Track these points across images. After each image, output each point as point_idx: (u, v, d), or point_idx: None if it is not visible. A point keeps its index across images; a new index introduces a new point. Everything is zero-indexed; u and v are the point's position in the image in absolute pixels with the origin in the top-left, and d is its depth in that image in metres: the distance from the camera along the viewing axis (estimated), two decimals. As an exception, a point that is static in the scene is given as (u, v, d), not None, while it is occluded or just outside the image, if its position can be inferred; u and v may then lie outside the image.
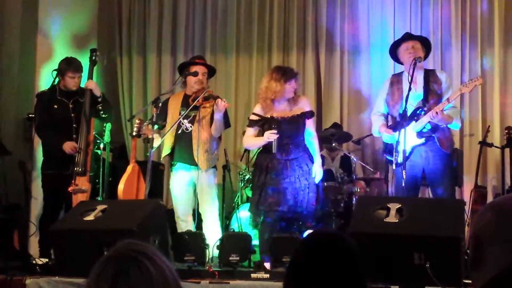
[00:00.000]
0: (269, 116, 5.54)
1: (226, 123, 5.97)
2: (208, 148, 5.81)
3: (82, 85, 6.08)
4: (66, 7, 7.74)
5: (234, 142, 7.84)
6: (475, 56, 7.35)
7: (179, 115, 5.83)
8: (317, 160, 5.59)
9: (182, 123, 5.78)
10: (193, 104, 5.74)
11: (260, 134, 5.64)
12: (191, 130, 5.79)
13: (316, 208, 5.47)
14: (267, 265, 4.97)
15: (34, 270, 4.91)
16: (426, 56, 5.85)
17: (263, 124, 5.58)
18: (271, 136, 5.41)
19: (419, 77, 5.59)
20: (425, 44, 5.81)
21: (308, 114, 5.61)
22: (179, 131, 5.80)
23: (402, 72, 5.76)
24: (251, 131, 5.71)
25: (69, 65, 5.97)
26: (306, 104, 5.68)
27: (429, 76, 5.63)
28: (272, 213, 5.39)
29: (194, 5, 8.05)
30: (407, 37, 5.80)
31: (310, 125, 5.64)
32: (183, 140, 5.81)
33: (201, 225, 5.89)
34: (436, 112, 5.33)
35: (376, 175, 7.11)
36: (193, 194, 5.90)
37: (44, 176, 5.99)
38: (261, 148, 5.72)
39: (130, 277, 1.43)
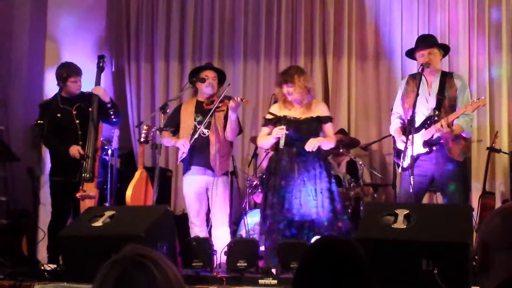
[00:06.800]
0: (282, 115, 5.58)
1: (239, 128, 5.95)
2: (223, 152, 5.80)
3: (83, 89, 6.07)
4: (75, 13, 7.78)
5: (242, 148, 7.83)
6: (483, 61, 7.32)
7: (194, 121, 5.81)
8: (321, 138, 5.52)
9: (198, 128, 5.75)
10: (215, 105, 5.70)
11: None
12: (208, 135, 5.77)
13: (330, 216, 5.40)
14: (275, 271, 4.96)
15: (43, 276, 4.90)
16: (445, 55, 5.75)
17: (275, 122, 5.61)
18: (278, 132, 5.44)
19: (435, 82, 5.47)
20: (442, 46, 5.69)
21: (324, 119, 5.62)
22: (196, 136, 5.74)
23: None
24: (265, 130, 5.72)
25: (70, 70, 5.96)
26: (323, 110, 5.68)
27: (446, 81, 5.47)
28: (278, 217, 5.38)
29: (201, 11, 8.06)
30: (421, 45, 5.54)
31: (327, 130, 5.63)
32: (200, 144, 5.76)
33: (211, 230, 5.88)
34: (441, 125, 5.21)
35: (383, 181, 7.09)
36: (206, 198, 5.85)
37: (52, 182, 6.00)
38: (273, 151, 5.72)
39: (134, 281, 1.44)
